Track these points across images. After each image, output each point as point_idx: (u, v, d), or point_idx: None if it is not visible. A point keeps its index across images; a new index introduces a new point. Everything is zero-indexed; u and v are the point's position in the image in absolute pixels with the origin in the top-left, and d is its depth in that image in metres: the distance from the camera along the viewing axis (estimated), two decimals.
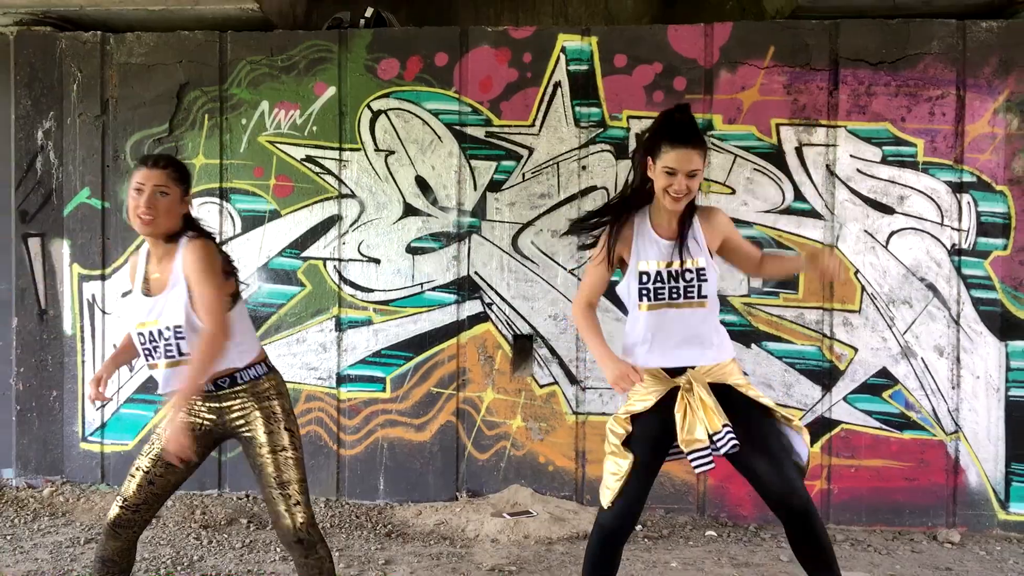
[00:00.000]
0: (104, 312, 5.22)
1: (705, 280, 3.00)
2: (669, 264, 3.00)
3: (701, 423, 2.88)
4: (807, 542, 2.91)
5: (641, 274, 3.02)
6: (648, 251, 3.03)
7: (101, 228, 5.22)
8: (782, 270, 3.76)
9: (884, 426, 4.92)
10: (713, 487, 4.96)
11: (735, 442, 2.86)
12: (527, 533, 4.62)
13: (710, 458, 2.89)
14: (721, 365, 3.03)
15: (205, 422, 2.98)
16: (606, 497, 2.96)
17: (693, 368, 2.97)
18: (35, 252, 5.23)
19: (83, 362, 5.26)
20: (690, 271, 2.99)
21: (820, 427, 4.93)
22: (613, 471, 2.96)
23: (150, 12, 5.10)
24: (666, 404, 2.96)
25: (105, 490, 5.16)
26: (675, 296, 3.00)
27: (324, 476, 5.14)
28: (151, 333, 2.88)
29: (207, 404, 2.96)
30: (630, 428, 2.98)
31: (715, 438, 2.87)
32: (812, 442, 4.83)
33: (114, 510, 2.95)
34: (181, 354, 2.86)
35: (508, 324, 5.07)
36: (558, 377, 5.06)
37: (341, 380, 5.15)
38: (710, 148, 4.85)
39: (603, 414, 4.99)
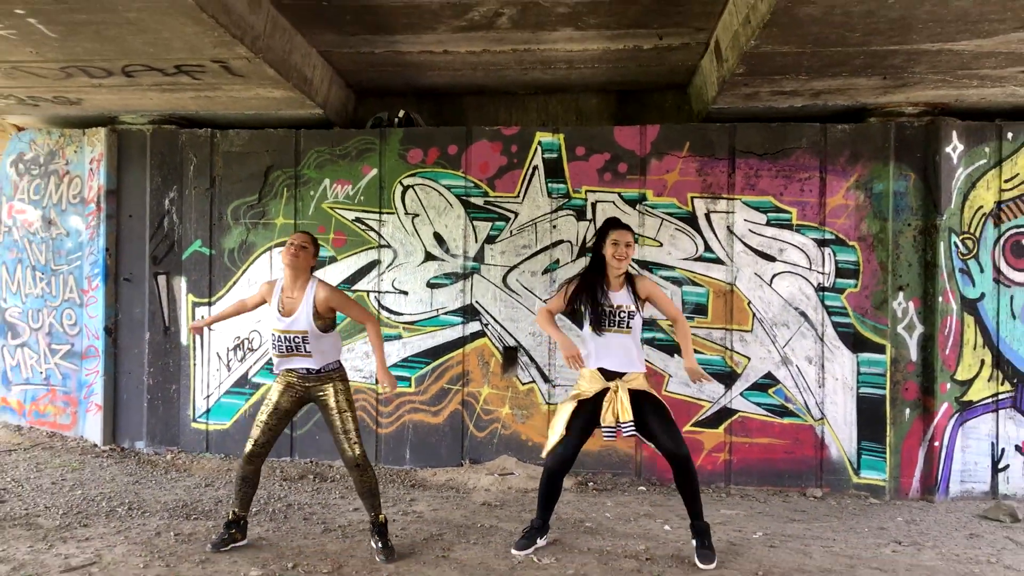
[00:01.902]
0: (210, 329, 7.23)
1: (632, 318, 4.93)
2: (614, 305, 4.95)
3: (614, 414, 4.81)
4: (685, 481, 4.88)
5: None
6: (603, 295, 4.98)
7: (208, 269, 7.26)
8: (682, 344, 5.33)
9: (770, 414, 6.81)
10: (647, 457, 6.87)
11: (633, 431, 4.80)
12: (510, 485, 6.57)
13: (614, 434, 4.82)
14: (635, 376, 4.94)
15: (299, 390, 4.91)
16: (551, 442, 4.92)
17: (622, 375, 4.90)
18: (162, 286, 7.28)
19: (194, 365, 7.29)
20: (624, 311, 4.93)
21: (724, 414, 6.83)
22: (558, 431, 4.92)
23: (246, 115, 7.18)
24: (598, 399, 4.88)
25: (209, 456, 7.16)
26: (611, 325, 4.93)
27: (366, 448, 7.08)
28: (285, 336, 4.84)
29: (304, 380, 4.88)
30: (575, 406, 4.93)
31: (623, 425, 4.81)
32: (717, 425, 6.81)
33: (249, 447, 4.87)
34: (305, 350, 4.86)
35: (499, 339, 7.04)
36: (535, 377, 7.01)
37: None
38: (644, 213, 6.84)
39: None
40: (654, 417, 4.84)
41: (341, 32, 6.17)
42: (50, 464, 6.70)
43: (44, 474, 6.42)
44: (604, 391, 4.86)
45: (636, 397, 4.86)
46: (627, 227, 4.98)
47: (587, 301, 4.97)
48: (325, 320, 4.91)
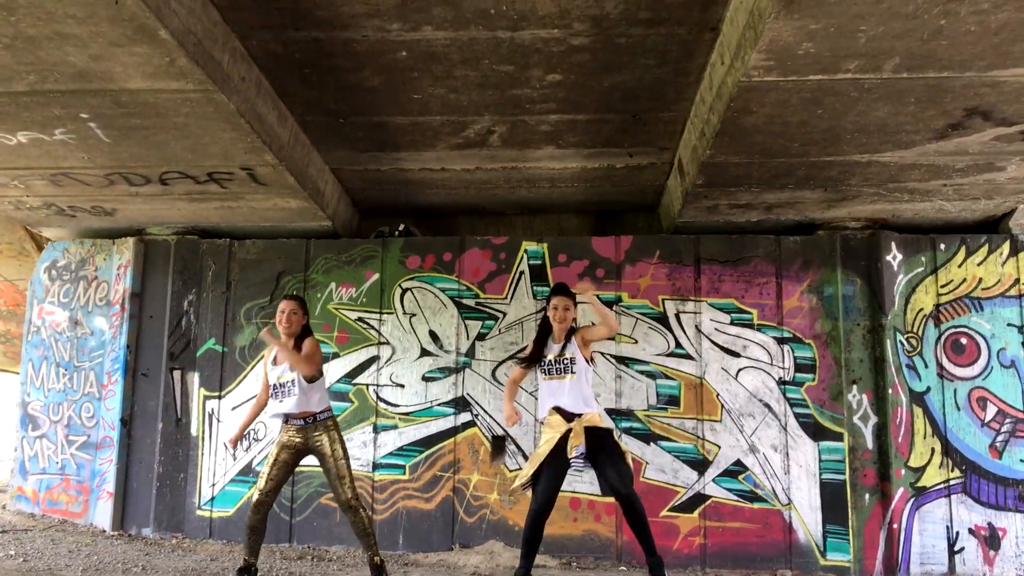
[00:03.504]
0: (219, 421, 7.78)
1: (575, 363, 5.57)
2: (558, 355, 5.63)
3: (574, 446, 5.38)
4: (631, 518, 5.33)
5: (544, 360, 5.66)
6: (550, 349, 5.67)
7: (220, 365, 7.88)
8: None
9: (740, 499, 7.31)
10: (628, 542, 7.29)
11: (582, 455, 5.37)
12: (498, 563, 6.96)
13: (581, 464, 5.39)
14: (591, 415, 5.54)
15: (298, 444, 5.51)
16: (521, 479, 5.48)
17: (579, 416, 5.50)
18: (177, 380, 7.86)
19: (202, 454, 7.78)
20: (566, 359, 5.58)
21: (697, 500, 7.32)
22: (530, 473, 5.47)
23: (262, 227, 8.00)
24: (562, 445, 5.46)
25: (212, 542, 7.53)
26: (559, 372, 5.58)
27: None
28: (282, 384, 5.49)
29: (299, 432, 5.49)
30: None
31: (575, 449, 5.36)
32: (692, 510, 7.28)
33: (256, 497, 5.42)
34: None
35: (488, 428, 7.59)
36: (522, 465, 7.51)
37: (376, 466, 7.62)
38: (620, 313, 7.57)
39: None
40: (604, 454, 5.40)
41: (353, 148, 7.07)
42: (64, 540, 7.07)
43: (60, 546, 6.80)
44: (567, 434, 5.42)
45: (591, 434, 5.42)
46: (567, 293, 5.73)
47: (538, 354, 5.69)
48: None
